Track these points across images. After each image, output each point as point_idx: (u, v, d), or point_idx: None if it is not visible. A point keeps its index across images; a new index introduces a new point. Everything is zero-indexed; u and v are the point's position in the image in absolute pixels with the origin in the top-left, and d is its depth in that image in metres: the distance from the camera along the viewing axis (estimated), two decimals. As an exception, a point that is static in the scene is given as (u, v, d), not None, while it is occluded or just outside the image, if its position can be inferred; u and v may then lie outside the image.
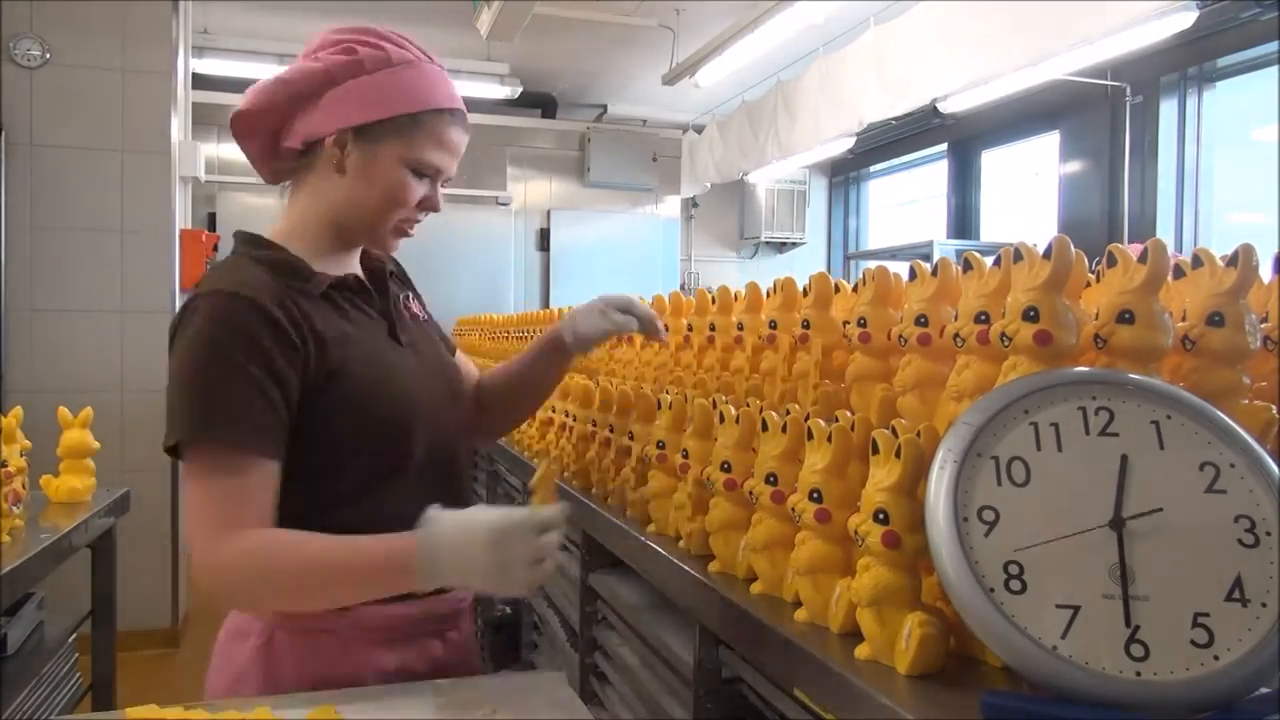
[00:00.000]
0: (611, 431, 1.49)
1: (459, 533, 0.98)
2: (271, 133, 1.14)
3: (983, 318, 0.91)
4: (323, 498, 1.08)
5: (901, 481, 0.80)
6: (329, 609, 1.07)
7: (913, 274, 1.07)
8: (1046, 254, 0.87)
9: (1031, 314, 0.85)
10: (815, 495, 0.89)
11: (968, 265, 0.97)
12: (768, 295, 1.40)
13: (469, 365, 1.43)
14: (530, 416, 1.67)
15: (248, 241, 1.15)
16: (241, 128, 1.14)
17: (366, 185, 1.11)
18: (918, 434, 0.83)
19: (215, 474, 1.02)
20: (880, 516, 0.80)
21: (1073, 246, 0.88)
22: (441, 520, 0.99)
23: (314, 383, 1.06)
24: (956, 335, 0.94)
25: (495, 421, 1.45)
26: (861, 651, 0.81)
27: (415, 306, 1.30)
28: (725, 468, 1.07)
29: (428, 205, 1.16)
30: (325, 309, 1.11)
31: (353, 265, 1.22)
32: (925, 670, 0.77)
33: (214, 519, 1.01)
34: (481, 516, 0.99)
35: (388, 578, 1.00)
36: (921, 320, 1.01)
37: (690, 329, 1.60)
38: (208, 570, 1.01)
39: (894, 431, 0.85)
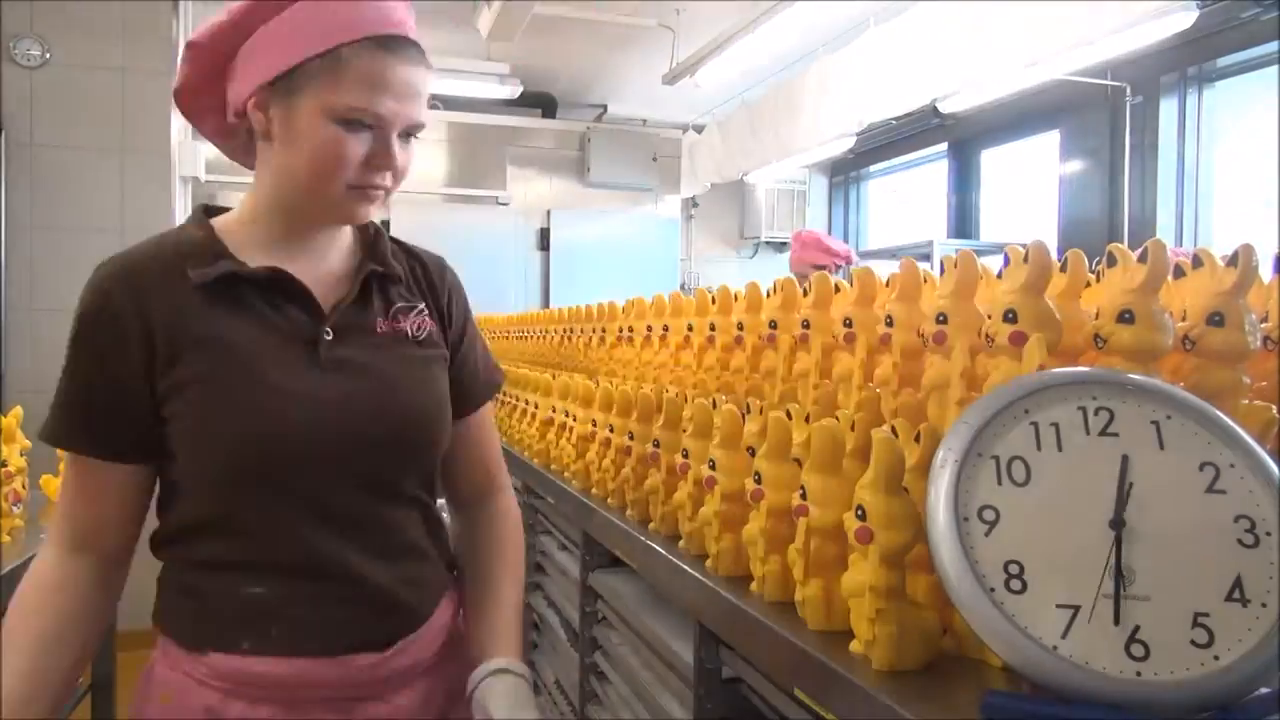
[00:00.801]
0: (611, 431, 1.49)
1: None
2: (215, 108, 0.99)
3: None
4: (183, 521, 0.97)
5: (877, 479, 0.81)
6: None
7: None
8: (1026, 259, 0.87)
9: (1010, 316, 0.86)
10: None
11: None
12: (767, 295, 1.40)
13: (483, 433, 1.16)
14: None
15: (194, 213, 1.04)
16: (185, 106, 1.00)
17: (293, 149, 0.92)
18: (893, 432, 0.84)
19: (67, 476, 0.97)
20: (859, 513, 0.81)
21: (1071, 248, 0.88)
22: None
23: (163, 387, 0.93)
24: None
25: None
26: (854, 647, 0.82)
27: (416, 322, 1.06)
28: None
29: (378, 163, 0.92)
30: (213, 305, 0.94)
31: (321, 254, 1.02)
32: (900, 666, 0.78)
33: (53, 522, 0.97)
34: None
35: None
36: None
37: (690, 329, 1.60)
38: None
39: (894, 432, 0.85)
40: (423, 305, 1.07)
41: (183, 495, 0.97)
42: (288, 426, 0.93)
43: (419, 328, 1.05)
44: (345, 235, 1.06)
